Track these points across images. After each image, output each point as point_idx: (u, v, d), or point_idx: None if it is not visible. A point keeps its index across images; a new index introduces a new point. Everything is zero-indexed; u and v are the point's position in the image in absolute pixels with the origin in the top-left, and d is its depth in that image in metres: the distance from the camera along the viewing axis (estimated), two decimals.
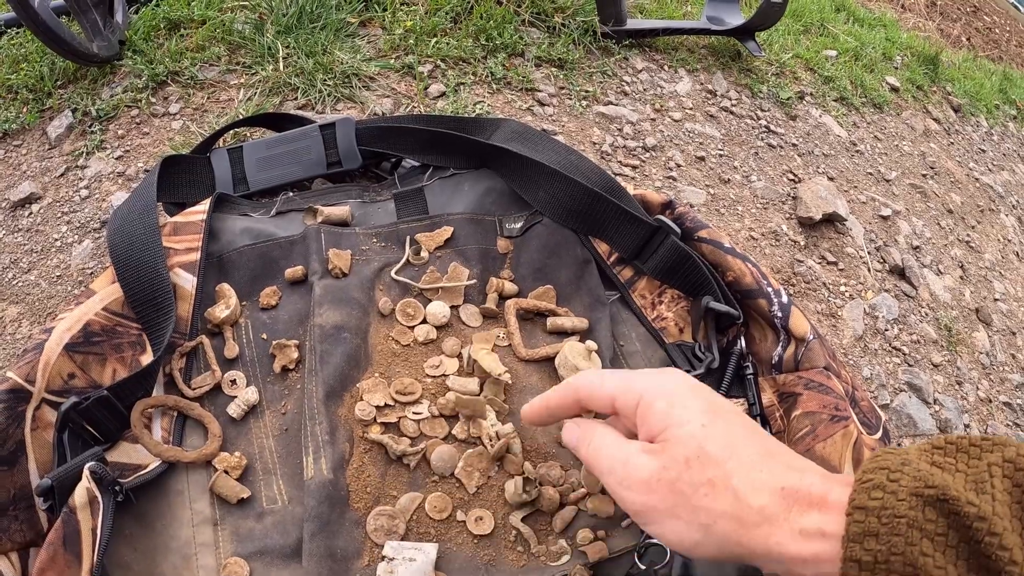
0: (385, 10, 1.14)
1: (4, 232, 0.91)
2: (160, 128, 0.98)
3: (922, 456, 0.38)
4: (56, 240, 0.89)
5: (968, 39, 3.11)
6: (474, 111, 1.04)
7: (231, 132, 0.93)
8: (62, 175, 0.95)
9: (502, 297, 0.72)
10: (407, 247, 0.73)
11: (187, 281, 0.68)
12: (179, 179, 0.79)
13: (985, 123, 2.04)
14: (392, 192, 0.78)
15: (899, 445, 0.96)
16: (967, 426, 1.12)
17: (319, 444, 0.59)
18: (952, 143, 1.81)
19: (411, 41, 1.10)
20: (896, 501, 0.35)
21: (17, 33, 1.12)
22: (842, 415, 0.66)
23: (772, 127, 1.33)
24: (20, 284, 0.86)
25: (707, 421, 0.43)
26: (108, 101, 1.00)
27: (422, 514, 0.59)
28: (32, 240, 0.90)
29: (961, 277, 1.40)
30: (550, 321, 0.71)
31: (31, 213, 0.93)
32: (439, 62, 1.10)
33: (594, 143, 1.09)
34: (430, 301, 0.70)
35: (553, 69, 1.18)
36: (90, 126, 0.99)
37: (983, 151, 1.90)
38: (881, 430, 0.69)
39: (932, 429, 1.06)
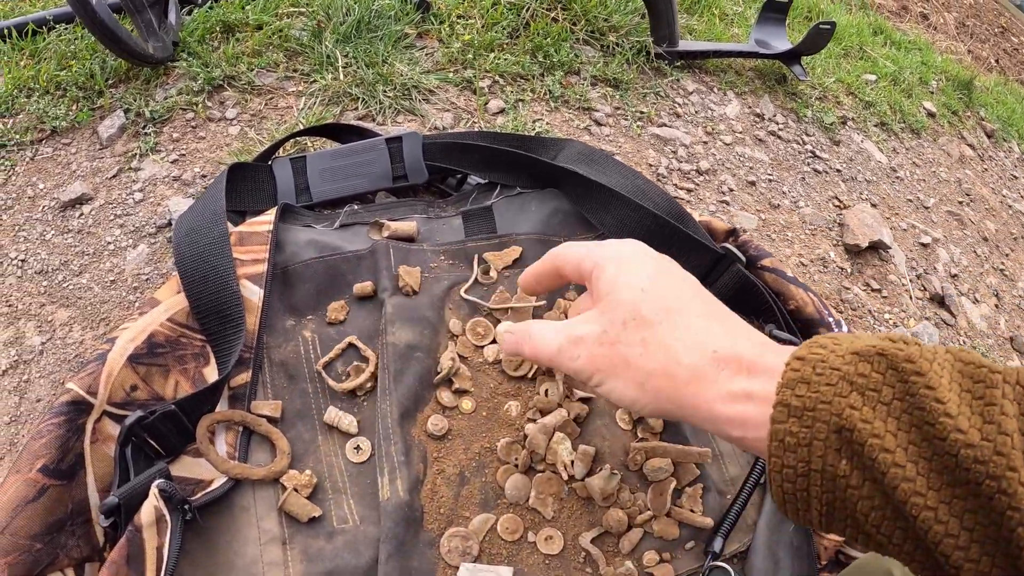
0: (442, 23, 1.14)
1: (53, 232, 0.90)
2: (216, 133, 0.97)
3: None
4: (109, 243, 0.88)
5: (997, 60, 3.10)
6: (533, 128, 1.04)
7: (291, 141, 0.93)
8: (114, 176, 0.94)
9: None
10: (475, 266, 0.72)
11: (253, 293, 0.67)
12: (241, 187, 0.79)
13: (1017, 149, 2.04)
14: (460, 209, 0.77)
15: None
16: None
17: (395, 465, 0.58)
18: (986, 169, 1.81)
19: (469, 55, 1.09)
20: (835, 357, 0.35)
21: (66, 29, 1.11)
22: None
23: (817, 152, 1.33)
24: (71, 287, 0.85)
25: (647, 285, 0.44)
26: (162, 103, 1.00)
27: (494, 535, 0.59)
28: (83, 242, 0.89)
29: (996, 305, 1.39)
30: None
31: (82, 214, 0.92)
32: (497, 77, 1.09)
33: (650, 165, 1.08)
34: (499, 321, 0.70)
35: (608, 89, 1.18)
36: (143, 127, 0.98)
37: (1015, 178, 1.90)
38: None
39: None
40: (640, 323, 0.43)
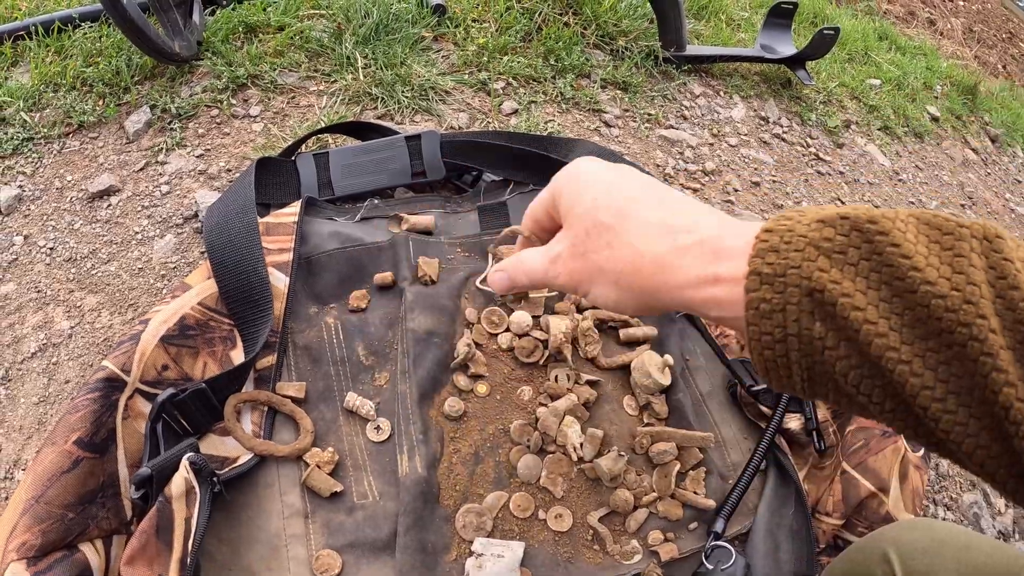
0: (457, 26, 1.17)
1: (82, 222, 0.93)
2: (241, 129, 1.00)
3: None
4: (137, 233, 0.91)
5: (1004, 66, 3.12)
6: (545, 129, 1.07)
7: (313, 138, 0.96)
8: (141, 169, 0.98)
9: (579, 309, 0.75)
10: (490, 257, 0.76)
11: (280, 280, 0.70)
12: (267, 180, 0.82)
13: (1021, 153, 2.06)
14: (475, 204, 0.80)
15: (936, 467, 0.98)
16: None
17: (413, 443, 0.62)
18: (989, 173, 1.83)
19: (484, 58, 1.13)
20: (801, 225, 0.37)
21: (91, 27, 1.14)
22: (891, 432, 0.70)
23: (821, 155, 1.36)
24: (99, 274, 0.88)
25: (599, 194, 0.46)
26: (188, 100, 1.03)
27: (507, 512, 0.62)
28: (111, 232, 0.92)
29: None
30: (623, 332, 0.74)
31: (110, 205, 0.95)
32: (511, 79, 1.13)
33: (658, 165, 1.12)
34: (512, 311, 0.73)
35: (618, 91, 1.21)
36: (169, 123, 1.02)
37: (1019, 181, 1.92)
38: (922, 449, 0.73)
39: None
40: (600, 229, 0.45)
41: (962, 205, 1.59)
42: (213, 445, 0.62)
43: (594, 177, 0.48)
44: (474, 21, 1.20)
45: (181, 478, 0.55)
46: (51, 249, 0.90)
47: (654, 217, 0.44)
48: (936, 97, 1.91)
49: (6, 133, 1.00)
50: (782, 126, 1.36)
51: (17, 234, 0.91)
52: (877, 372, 0.34)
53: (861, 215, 0.36)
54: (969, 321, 0.32)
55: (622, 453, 0.64)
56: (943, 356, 0.33)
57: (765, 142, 1.31)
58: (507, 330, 0.71)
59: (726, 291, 0.39)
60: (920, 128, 1.69)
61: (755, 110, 1.36)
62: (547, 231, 0.56)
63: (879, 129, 1.58)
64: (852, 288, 0.35)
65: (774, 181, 1.23)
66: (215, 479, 0.56)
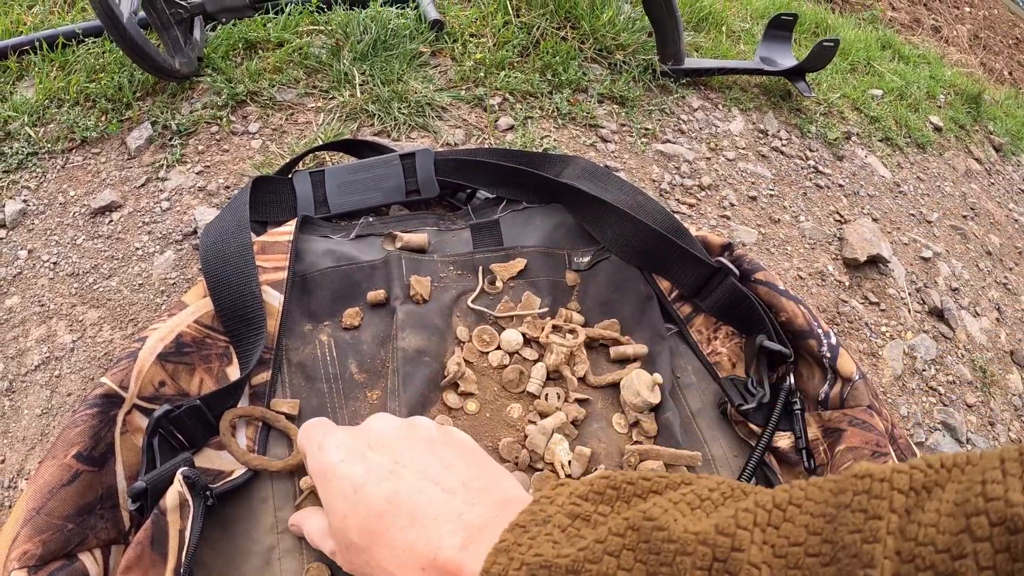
0: (455, 41, 1.18)
1: (84, 237, 0.95)
2: (240, 146, 1.02)
3: (568, 504, 0.40)
4: (137, 249, 0.93)
5: (1010, 72, 3.11)
6: (541, 145, 1.08)
7: (310, 155, 0.97)
8: (142, 185, 0.99)
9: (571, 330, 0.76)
10: (481, 276, 0.77)
11: (274, 298, 0.71)
12: (264, 198, 0.83)
13: None
14: (468, 222, 0.81)
15: None
16: None
17: None
18: (993, 184, 1.83)
19: (481, 73, 1.14)
20: (512, 571, 0.37)
21: (95, 43, 1.16)
22: (882, 451, 0.70)
23: (820, 167, 1.36)
24: (101, 289, 0.90)
25: (348, 511, 0.48)
26: (188, 116, 1.05)
27: None
28: (112, 247, 0.94)
29: (997, 319, 1.42)
30: (613, 350, 0.75)
31: (111, 221, 0.97)
32: (507, 95, 1.14)
33: (653, 180, 1.13)
34: (504, 329, 0.74)
35: (615, 106, 1.22)
36: (170, 139, 1.03)
37: (1023, 191, 1.91)
38: None
39: None
40: (356, 549, 0.47)
41: (964, 216, 1.59)
42: (209, 459, 0.63)
43: (340, 484, 0.49)
44: (472, 36, 1.21)
45: (175, 491, 0.56)
46: (54, 263, 0.92)
47: (401, 541, 0.45)
48: (939, 107, 1.91)
49: (11, 148, 1.02)
50: (781, 139, 1.37)
51: (22, 248, 0.93)
52: None
53: (560, 564, 0.35)
54: None
55: (610, 471, 0.65)
56: None
57: (763, 155, 1.31)
58: (498, 348, 0.72)
59: None
60: (922, 138, 1.68)
61: (754, 123, 1.37)
62: None
63: (880, 140, 1.58)
64: None
65: (771, 195, 1.24)
66: (208, 492, 0.57)
